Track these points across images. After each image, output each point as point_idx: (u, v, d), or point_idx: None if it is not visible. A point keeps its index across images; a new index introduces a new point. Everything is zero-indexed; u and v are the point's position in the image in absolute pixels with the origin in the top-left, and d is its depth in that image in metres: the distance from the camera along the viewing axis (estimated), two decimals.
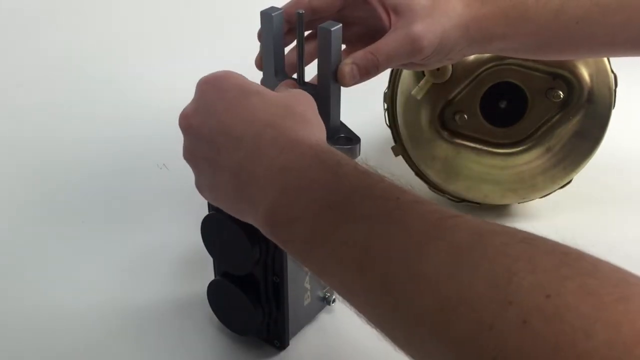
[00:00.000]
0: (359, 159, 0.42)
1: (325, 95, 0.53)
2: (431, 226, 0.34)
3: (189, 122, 0.46)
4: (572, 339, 0.27)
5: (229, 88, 0.45)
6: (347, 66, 0.52)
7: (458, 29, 0.53)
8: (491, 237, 0.32)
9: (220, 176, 0.44)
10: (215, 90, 0.46)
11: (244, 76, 0.47)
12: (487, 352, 0.29)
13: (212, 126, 0.44)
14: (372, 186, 0.38)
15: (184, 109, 0.47)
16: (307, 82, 0.55)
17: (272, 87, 0.56)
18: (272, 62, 0.55)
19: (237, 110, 0.44)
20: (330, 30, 0.50)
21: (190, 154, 0.47)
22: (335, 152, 0.42)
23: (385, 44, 0.53)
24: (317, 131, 0.45)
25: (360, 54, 0.52)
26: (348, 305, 0.38)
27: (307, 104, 0.46)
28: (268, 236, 0.42)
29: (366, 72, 0.53)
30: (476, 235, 0.33)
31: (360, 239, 0.36)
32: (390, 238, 0.35)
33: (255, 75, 0.57)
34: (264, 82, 0.57)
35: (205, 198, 0.49)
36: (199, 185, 0.48)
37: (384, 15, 0.54)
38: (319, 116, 0.46)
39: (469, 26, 0.53)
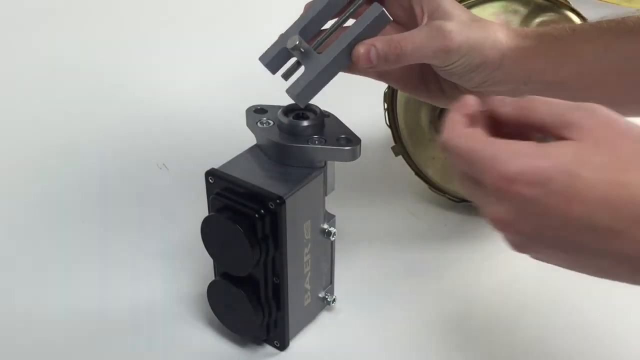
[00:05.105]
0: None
1: (325, 64, 0.51)
2: None
3: (516, 229, 0.39)
4: None
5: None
6: (364, 46, 0.49)
7: (492, 50, 0.50)
8: None
9: (597, 261, 0.39)
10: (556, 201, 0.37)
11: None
12: None
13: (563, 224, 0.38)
14: None
15: (497, 214, 0.39)
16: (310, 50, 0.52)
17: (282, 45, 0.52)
18: (303, 25, 0.52)
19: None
20: (383, 10, 0.49)
21: (524, 248, 0.40)
22: None
23: (414, 34, 0.50)
24: None
25: (383, 39, 0.49)
26: None
27: None
28: None
29: (385, 60, 0.49)
30: None
31: None
32: None
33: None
34: (282, 37, 0.54)
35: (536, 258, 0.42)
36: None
37: (419, 15, 0.52)
38: None
39: (505, 54, 0.50)
